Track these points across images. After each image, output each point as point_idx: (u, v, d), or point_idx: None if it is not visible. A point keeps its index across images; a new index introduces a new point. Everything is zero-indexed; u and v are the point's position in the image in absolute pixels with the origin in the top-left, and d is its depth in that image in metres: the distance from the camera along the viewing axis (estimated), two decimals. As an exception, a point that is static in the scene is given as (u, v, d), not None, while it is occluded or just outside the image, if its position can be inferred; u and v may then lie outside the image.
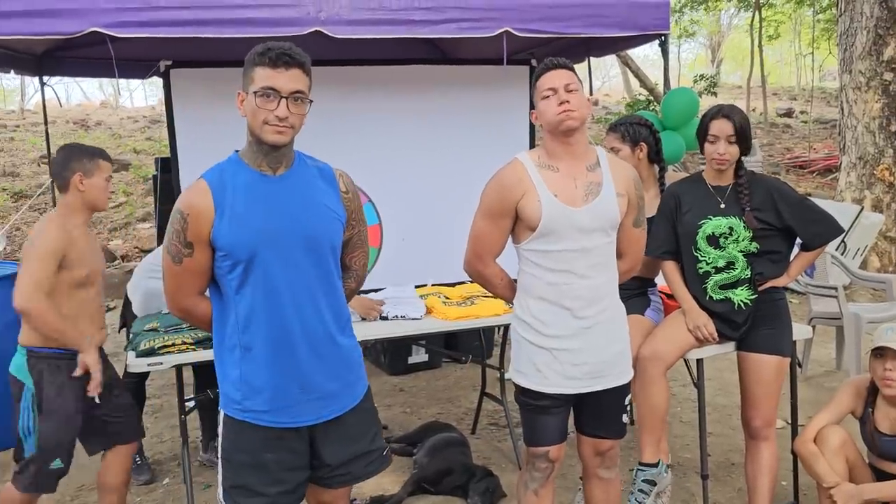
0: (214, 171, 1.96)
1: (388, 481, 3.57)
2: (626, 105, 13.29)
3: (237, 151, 1.99)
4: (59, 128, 15.42)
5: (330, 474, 2.07)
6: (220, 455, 2.04)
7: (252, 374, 1.95)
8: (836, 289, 4.59)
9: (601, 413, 2.39)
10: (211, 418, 3.79)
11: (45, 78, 6.43)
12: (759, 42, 14.19)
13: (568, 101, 2.19)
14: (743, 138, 2.78)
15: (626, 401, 2.41)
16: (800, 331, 3.12)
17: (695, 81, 13.39)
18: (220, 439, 2.03)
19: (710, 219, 2.84)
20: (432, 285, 4.03)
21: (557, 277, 2.25)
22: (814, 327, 4.91)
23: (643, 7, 4.34)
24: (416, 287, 3.89)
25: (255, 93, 1.86)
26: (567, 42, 4.99)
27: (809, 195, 11.65)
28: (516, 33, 4.06)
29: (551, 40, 4.86)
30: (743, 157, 2.84)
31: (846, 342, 4.64)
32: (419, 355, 5.24)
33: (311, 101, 1.95)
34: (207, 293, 2.03)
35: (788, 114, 18.52)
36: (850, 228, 6.82)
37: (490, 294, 3.65)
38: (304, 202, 1.98)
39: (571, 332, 2.27)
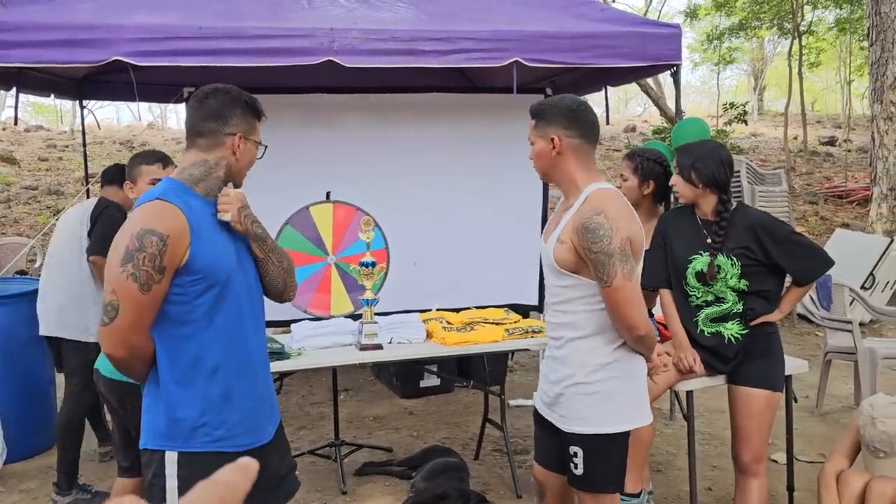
0: (169, 194, 1.87)
1: (384, 503, 3.61)
2: (654, 132, 13.27)
3: (176, 181, 1.94)
4: (105, 148, 15.93)
5: (272, 494, 2.07)
6: (172, 500, 1.87)
7: (223, 400, 1.91)
8: (850, 322, 4.50)
9: (559, 449, 2.38)
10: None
11: (85, 102, 6.73)
12: (800, 70, 13.99)
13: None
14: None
15: (572, 452, 2.28)
16: (794, 364, 3.09)
17: (724, 109, 13.27)
18: (169, 480, 1.88)
19: (700, 255, 2.84)
20: (437, 310, 4.08)
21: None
22: (829, 362, 4.83)
23: (655, 38, 4.37)
24: (421, 312, 3.95)
25: (257, 143, 2.02)
26: (582, 72, 5.04)
27: (847, 225, 11.43)
28: (526, 63, 4.13)
29: (566, 70, 4.92)
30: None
31: (861, 378, 4.54)
32: (431, 379, 5.27)
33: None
34: None
35: (831, 142, 18.22)
36: (878, 261, 6.69)
37: (491, 321, 3.72)
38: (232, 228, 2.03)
39: (545, 355, 2.44)
